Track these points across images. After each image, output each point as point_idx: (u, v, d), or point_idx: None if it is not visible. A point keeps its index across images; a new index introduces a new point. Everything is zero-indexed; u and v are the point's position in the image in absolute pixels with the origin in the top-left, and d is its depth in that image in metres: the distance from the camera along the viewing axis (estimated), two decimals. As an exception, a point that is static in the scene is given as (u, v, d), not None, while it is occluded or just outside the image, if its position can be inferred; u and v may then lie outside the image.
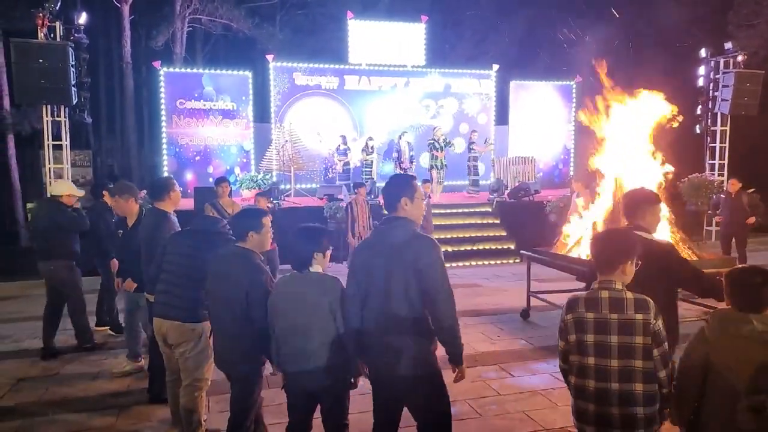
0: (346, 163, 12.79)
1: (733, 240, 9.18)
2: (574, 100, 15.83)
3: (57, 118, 9.82)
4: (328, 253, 2.92)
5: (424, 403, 2.65)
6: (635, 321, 2.26)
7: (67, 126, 9.93)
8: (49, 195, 6.15)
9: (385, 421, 2.76)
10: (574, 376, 2.40)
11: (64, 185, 5.89)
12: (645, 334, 2.26)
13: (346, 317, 2.76)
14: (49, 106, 9.66)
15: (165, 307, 3.48)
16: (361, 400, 3.27)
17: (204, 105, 13.11)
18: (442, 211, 11.24)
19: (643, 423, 2.27)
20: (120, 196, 4.82)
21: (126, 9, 16.74)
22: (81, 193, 5.90)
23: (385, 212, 2.84)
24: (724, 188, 10.94)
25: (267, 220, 3.18)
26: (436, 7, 19.01)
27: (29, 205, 9.25)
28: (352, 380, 2.89)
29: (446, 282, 2.58)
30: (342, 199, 10.69)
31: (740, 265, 2.48)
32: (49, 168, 9.82)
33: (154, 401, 4.26)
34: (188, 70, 14.51)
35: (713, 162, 13.66)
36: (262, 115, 14.15)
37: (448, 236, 10.41)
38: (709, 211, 10.84)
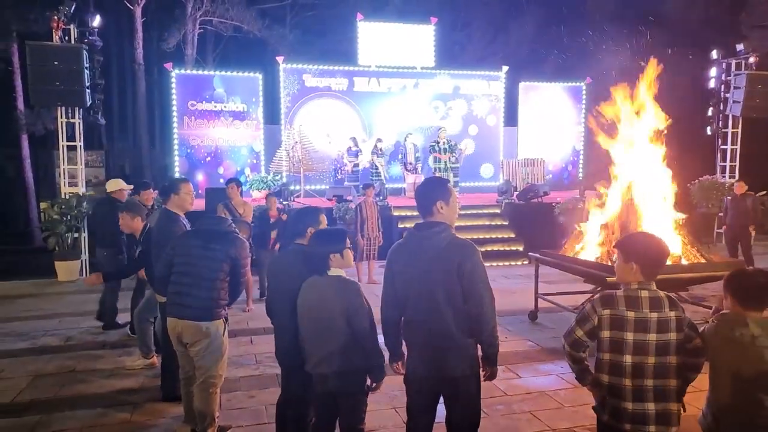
0: (356, 165, 12.87)
1: (739, 243, 9.16)
2: (584, 101, 15.79)
3: (71, 120, 9.97)
4: (347, 251, 2.95)
5: (468, 402, 2.71)
6: (670, 318, 2.35)
7: (81, 127, 10.09)
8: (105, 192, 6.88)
9: (424, 423, 2.80)
10: (606, 374, 2.43)
11: (115, 182, 6.72)
12: (678, 330, 2.35)
13: (382, 321, 2.81)
14: (63, 108, 9.81)
15: (178, 307, 3.55)
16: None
17: (215, 106, 13.23)
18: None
19: (676, 418, 2.36)
20: (128, 212, 5.02)
21: (138, 11, 16.95)
22: (130, 187, 6.83)
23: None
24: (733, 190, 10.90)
25: (324, 218, 3.23)
26: (446, 9, 19.03)
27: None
28: (372, 384, 2.94)
29: (488, 285, 2.64)
30: (351, 201, 10.76)
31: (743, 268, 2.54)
32: (63, 168, 9.98)
33: (167, 398, 4.34)
34: (199, 71, 14.66)
35: (724, 164, 13.56)
36: (272, 116, 14.26)
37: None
38: (720, 214, 10.80)
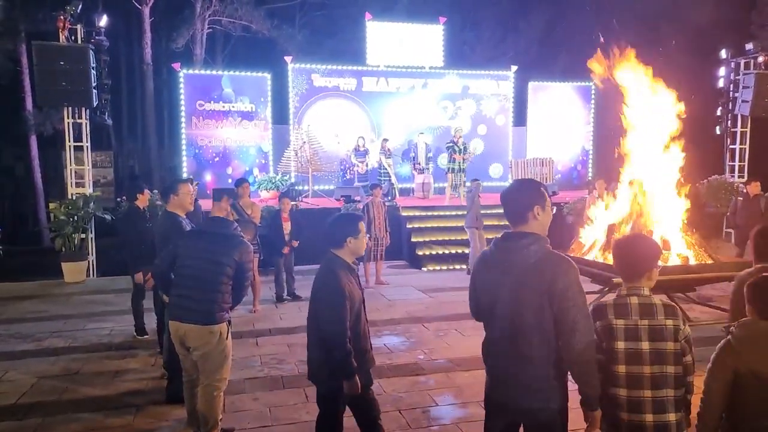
0: (363, 160, 12.80)
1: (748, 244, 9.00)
2: (593, 101, 15.64)
3: (78, 120, 9.97)
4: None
5: None
6: (665, 326, 2.25)
7: (88, 127, 10.09)
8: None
9: None
10: (604, 384, 2.34)
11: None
12: (676, 340, 2.25)
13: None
14: (70, 108, 9.82)
15: (182, 310, 3.50)
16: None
17: (223, 106, 13.23)
18: (455, 213, 11.20)
19: (675, 429, 2.26)
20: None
21: (146, 11, 17.00)
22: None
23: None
24: (743, 190, 10.74)
25: (363, 226, 3.05)
26: (455, 9, 18.93)
27: (52, 205, 9.50)
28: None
29: (585, 311, 2.23)
30: (359, 201, 10.70)
31: (766, 273, 2.41)
32: (71, 169, 9.99)
33: (171, 401, 4.30)
34: (208, 71, 14.66)
35: (733, 164, 13.43)
36: (280, 116, 14.24)
37: (464, 238, 10.34)
38: (728, 214, 10.66)
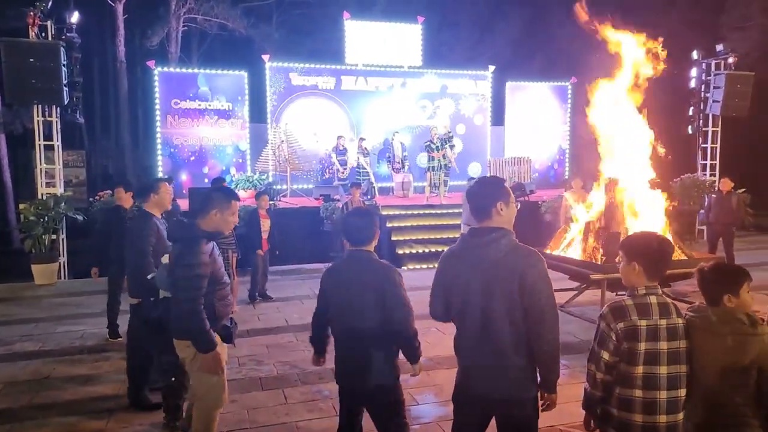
0: (344, 163, 12.75)
1: (721, 239, 9.22)
2: (569, 100, 15.83)
3: (48, 118, 9.74)
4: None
5: (522, 426, 2.44)
6: (678, 325, 2.27)
7: (59, 126, 9.85)
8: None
9: None
10: (618, 386, 2.32)
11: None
12: (686, 338, 2.27)
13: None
14: (40, 106, 9.58)
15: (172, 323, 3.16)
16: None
17: (199, 105, 13.03)
18: (438, 211, 11.23)
19: (682, 427, 2.27)
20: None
21: (120, 8, 16.65)
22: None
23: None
24: (716, 187, 11.01)
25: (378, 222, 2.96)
26: (433, 9, 18.99)
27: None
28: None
29: (552, 302, 2.34)
30: (338, 200, 10.64)
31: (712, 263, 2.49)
32: (41, 169, 9.74)
33: (135, 405, 4.20)
34: (183, 69, 14.44)
35: (705, 162, 13.75)
36: (258, 115, 14.09)
37: (443, 236, 10.38)
38: (701, 211, 10.91)
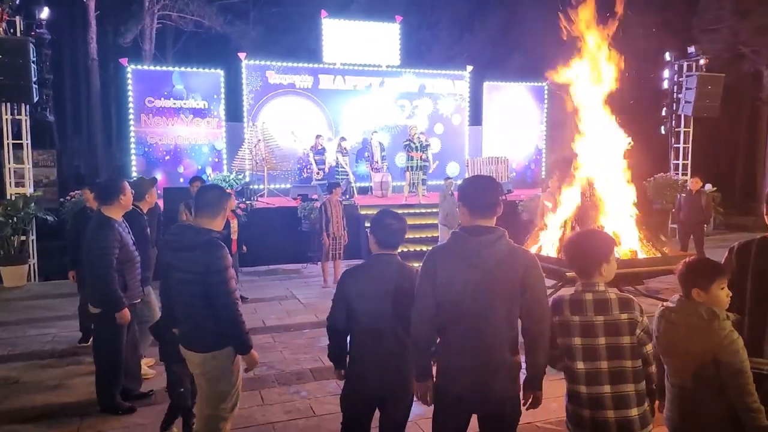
0: (322, 162, 12.67)
1: (691, 237, 9.47)
2: (546, 100, 16.02)
3: (17, 116, 9.48)
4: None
5: (511, 424, 2.47)
6: (621, 321, 2.27)
7: (29, 124, 9.61)
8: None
9: None
10: (566, 380, 2.37)
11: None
12: (632, 333, 2.26)
13: (415, 338, 2.50)
14: (8, 104, 9.32)
15: (185, 336, 3.07)
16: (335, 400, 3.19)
17: (174, 103, 12.83)
18: (417, 210, 11.26)
19: (638, 424, 2.26)
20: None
21: (92, 4, 16.34)
22: None
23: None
24: (687, 187, 11.26)
25: None
26: (411, 8, 19.05)
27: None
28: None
29: (548, 302, 2.41)
30: (316, 200, 10.59)
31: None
32: (10, 168, 9.49)
33: (105, 410, 4.11)
34: (157, 67, 14.17)
35: (677, 162, 14.04)
36: (234, 114, 13.93)
37: (422, 236, 10.41)
38: (674, 210, 11.16)
